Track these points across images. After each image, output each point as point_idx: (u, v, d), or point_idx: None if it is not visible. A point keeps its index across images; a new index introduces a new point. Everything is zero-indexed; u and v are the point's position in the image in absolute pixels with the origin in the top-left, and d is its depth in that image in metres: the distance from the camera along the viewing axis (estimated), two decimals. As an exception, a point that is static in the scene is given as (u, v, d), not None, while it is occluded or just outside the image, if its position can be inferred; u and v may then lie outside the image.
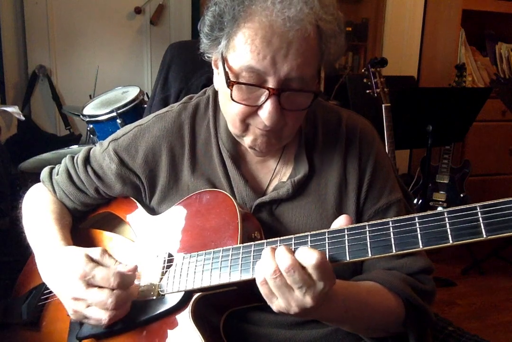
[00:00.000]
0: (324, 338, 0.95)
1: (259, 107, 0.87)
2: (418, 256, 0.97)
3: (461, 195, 3.16)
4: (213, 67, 0.97)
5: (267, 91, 0.85)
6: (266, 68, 0.83)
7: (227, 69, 0.87)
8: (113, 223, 1.10)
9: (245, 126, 0.92)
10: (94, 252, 0.91)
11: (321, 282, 0.72)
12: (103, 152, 1.05)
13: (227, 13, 0.84)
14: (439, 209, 2.97)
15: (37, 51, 3.04)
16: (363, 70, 2.61)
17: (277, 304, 0.75)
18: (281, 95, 0.85)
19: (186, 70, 1.96)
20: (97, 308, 0.85)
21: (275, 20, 0.81)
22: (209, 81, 1.85)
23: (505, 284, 2.90)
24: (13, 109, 2.47)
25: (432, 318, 0.95)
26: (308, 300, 0.72)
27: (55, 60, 3.10)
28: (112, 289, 0.85)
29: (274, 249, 0.75)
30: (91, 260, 0.89)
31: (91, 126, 2.24)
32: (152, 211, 1.05)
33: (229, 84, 0.86)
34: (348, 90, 2.94)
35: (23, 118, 2.52)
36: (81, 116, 2.28)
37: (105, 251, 0.91)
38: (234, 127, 0.94)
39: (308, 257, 0.71)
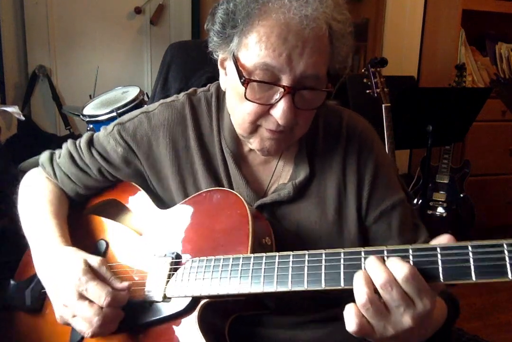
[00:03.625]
0: (325, 339, 0.94)
1: (272, 106, 0.86)
2: None
3: (461, 195, 3.15)
4: (219, 67, 0.96)
5: (281, 90, 0.84)
6: (282, 65, 0.82)
7: (240, 68, 0.86)
8: (118, 210, 1.08)
9: (254, 128, 0.91)
10: (94, 260, 0.89)
11: (419, 300, 0.67)
12: (107, 135, 1.04)
13: (241, 10, 0.84)
14: (439, 209, 2.98)
15: (37, 51, 3.04)
16: (363, 70, 2.60)
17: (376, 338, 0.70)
18: (295, 93, 0.84)
19: (186, 70, 1.96)
20: (82, 321, 0.84)
21: (292, 17, 0.80)
22: (209, 81, 1.85)
23: (505, 284, 2.88)
24: (13, 109, 2.47)
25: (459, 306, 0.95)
26: (407, 320, 0.67)
27: (55, 60, 3.09)
28: (102, 307, 0.83)
29: (367, 277, 0.68)
30: (89, 268, 0.87)
31: (91, 126, 2.24)
32: (158, 200, 1.03)
33: (244, 82, 0.85)
34: (348, 90, 2.94)
35: (23, 118, 2.52)
36: (81, 116, 2.27)
37: (104, 262, 0.89)
38: (241, 128, 0.93)
39: (399, 268, 0.66)
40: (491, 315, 2.57)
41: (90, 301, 0.84)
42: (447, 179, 3.17)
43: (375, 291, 0.68)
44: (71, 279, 0.85)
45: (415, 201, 3.00)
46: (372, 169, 1.00)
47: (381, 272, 0.67)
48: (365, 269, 0.69)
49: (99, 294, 0.83)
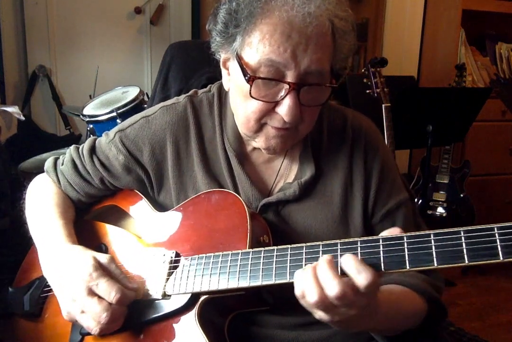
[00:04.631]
0: (328, 339, 0.95)
1: (277, 103, 0.87)
2: None
3: (461, 195, 3.15)
4: (222, 67, 0.96)
5: (286, 86, 0.85)
6: (287, 61, 0.83)
7: (244, 66, 0.86)
8: (117, 216, 1.09)
9: (259, 126, 0.91)
10: (103, 257, 0.90)
11: (365, 297, 0.71)
12: (109, 143, 1.04)
13: (243, 9, 0.84)
14: (439, 209, 2.99)
15: (37, 51, 3.04)
16: (363, 70, 2.60)
17: (318, 316, 0.74)
18: (300, 90, 0.85)
19: (186, 70, 1.96)
20: (90, 317, 0.84)
21: (295, 15, 0.81)
22: (209, 81, 1.85)
23: (505, 284, 2.90)
24: (13, 109, 2.47)
25: (447, 310, 0.96)
26: (352, 312, 0.72)
27: (55, 60, 3.09)
28: (110, 303, 0.84)
29: (315, 270, 0.72)
30: (99, 264, 0.88)
31: (91, 126, 2.23)
32: (158, 206, 1.04)
33: (249, 79, 0.85)
34: (348, 90, 2.94)
35: (23, 118, 2.52)
36: (81, 116, 2.27)
37: (113, 259, 0.91)
38: (246, 127, 0.93)
39: (360, 278, 0.69)
40: (491, 315, 2.57)
41: (99, 297, 0.85)
42: (447, 179, 3.17)
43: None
44: (81, 275, 0.86)
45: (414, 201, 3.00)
46: (379, 169, 1.01)
47: (334, 285, 0.69)
48: (316, 271, 0.72)
49: (110, 290, 0.84)
